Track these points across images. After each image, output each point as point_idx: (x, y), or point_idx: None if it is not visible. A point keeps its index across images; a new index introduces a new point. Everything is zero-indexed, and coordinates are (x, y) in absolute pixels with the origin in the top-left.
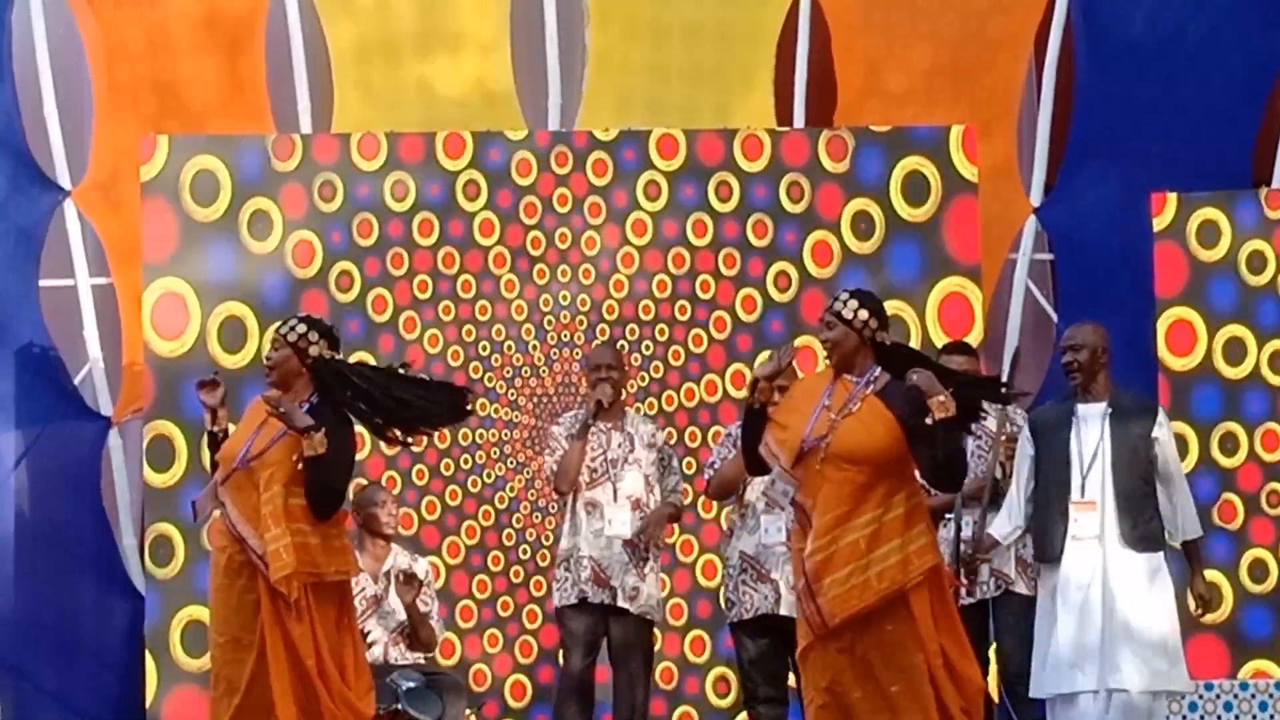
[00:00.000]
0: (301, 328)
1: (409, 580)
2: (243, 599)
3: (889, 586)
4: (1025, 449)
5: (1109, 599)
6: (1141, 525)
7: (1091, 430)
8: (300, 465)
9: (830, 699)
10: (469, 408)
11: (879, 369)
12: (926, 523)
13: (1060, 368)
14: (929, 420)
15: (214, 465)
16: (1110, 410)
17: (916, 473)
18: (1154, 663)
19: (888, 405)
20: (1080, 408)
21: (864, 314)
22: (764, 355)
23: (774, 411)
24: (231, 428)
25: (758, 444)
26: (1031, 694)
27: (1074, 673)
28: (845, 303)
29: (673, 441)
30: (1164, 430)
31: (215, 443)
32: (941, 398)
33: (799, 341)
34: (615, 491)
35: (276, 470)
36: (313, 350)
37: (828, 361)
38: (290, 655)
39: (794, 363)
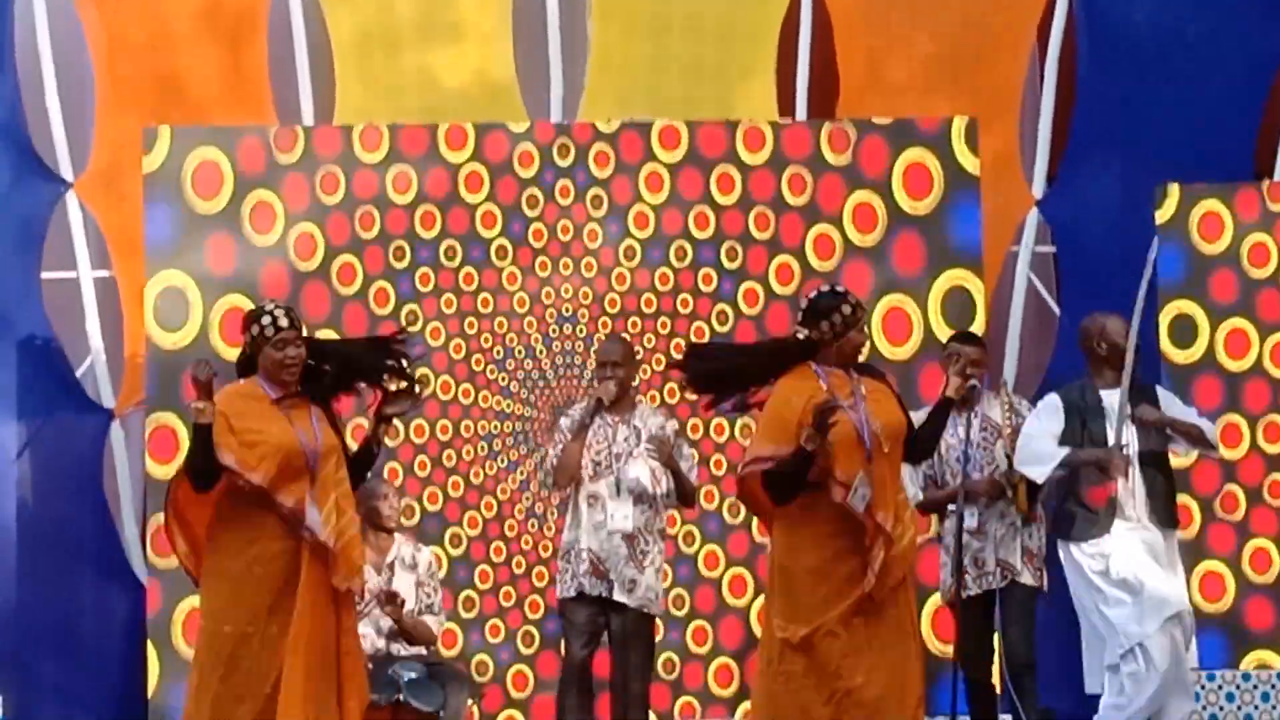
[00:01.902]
0: (294, 315)
1: (390, 599)
2: (280, 591)
3: (910, 565)
4: (1056, 415)
5: (1152, 570)
6: (1164, 503)
7: (1115, 415)
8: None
9: (838, 686)
10: (403, 349)
11: None
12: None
13: (1061, 360)
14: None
15: (209, 462)
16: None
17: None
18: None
19: (877, 380)
20: (1105, 394)
21: (820, 306)
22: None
23: (787, 421)
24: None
25: (803, 477)
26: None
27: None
28: (811, 298)
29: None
30: (1164, 399)
31: (209, 437)
32: (958, 380)
33: None
34: (618, 485)
35: (338, 456)
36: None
37: (849, 359)
38: (329, 643)
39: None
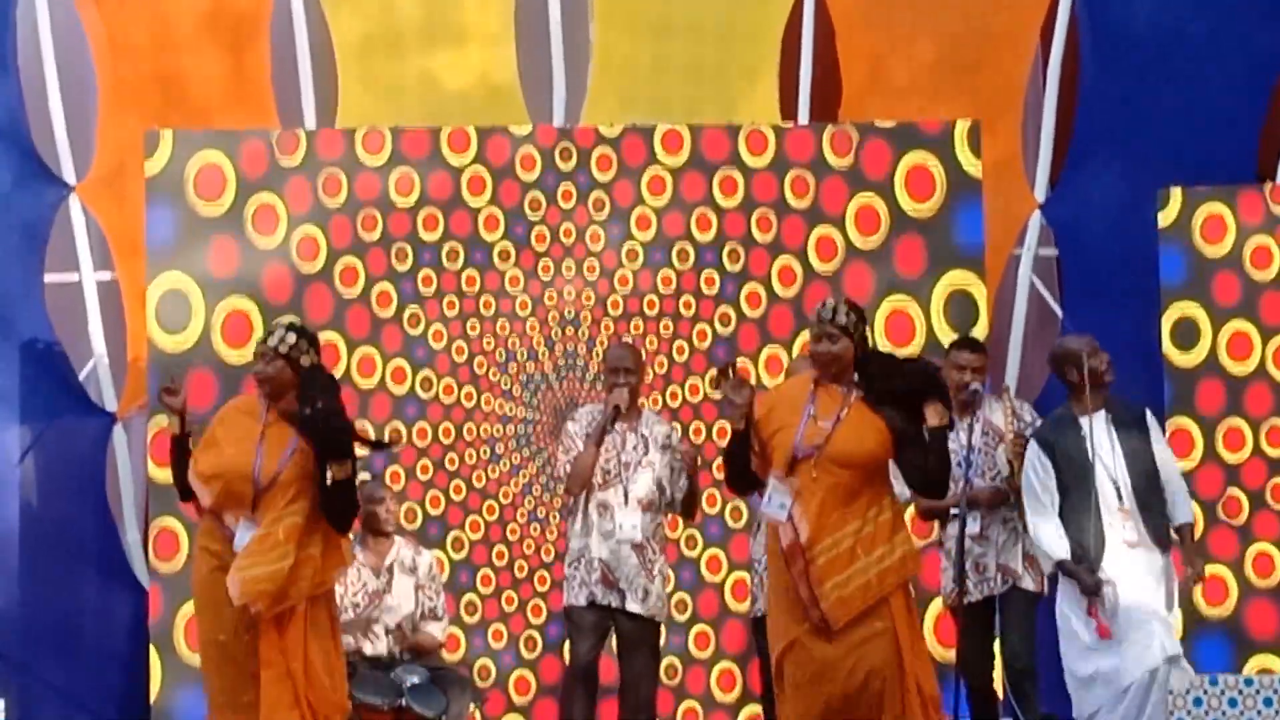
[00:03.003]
0: (291, 338)
1: (395, 632)
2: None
3: (892, 584)
4: (1045, 465)
5: (1140, 594)
6: (1159, 525)
7: (1102, 439)
8: (326, 484)
9: (814, 694)
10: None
11: (857, 374)
12: (906, 527)
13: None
14: (925, 426)
15: (184, 473)
16: (1111, 416)
17: (900, 479)
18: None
19: (877, 412)
20: (1082, 420)
21: (861, 324)
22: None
23: (760, 424)
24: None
25: (747, 464)
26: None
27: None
28: (846, 314)
29: (676, 438)
30: (1156, 430)
31: (183, 446)
32: (939, 406)
33: (769, 352)
34: (626, 495)
35: (297, 489)
36: (304, 360)
37: (819, 372)
38: (279, 663)
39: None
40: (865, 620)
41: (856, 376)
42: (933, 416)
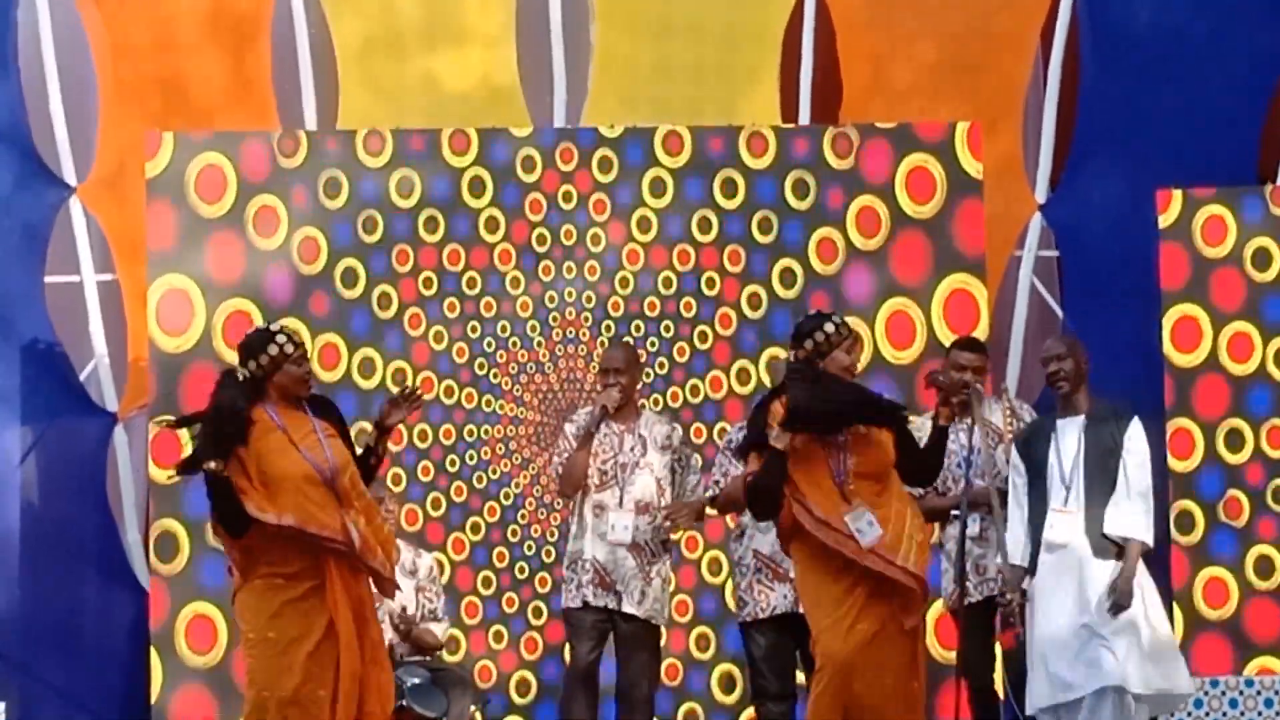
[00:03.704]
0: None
1: (397, 628)
2: (310, 611)
3: (920, 568)
4: (1018, 467)
5: (1084, 605)
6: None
7: (1069, 442)
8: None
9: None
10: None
11: None
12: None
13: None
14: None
15: (239, 511)
16: (1086, 422)
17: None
18: (1143, 664)
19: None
20: (1060, 422)
21: None
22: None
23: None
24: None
25: (781, 488)
26: (1027, 710)
27: (1057, 683)
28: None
29: (678, 438)
30: (1134, 440)
31: (227, 491)
32: (945, 408)
33: (770, 353)
34: (622, 497)
35: (352, 470)
36: None
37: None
38: (372, 647)
39: None
40: (897, 618)
41: None
42: (942, 417)
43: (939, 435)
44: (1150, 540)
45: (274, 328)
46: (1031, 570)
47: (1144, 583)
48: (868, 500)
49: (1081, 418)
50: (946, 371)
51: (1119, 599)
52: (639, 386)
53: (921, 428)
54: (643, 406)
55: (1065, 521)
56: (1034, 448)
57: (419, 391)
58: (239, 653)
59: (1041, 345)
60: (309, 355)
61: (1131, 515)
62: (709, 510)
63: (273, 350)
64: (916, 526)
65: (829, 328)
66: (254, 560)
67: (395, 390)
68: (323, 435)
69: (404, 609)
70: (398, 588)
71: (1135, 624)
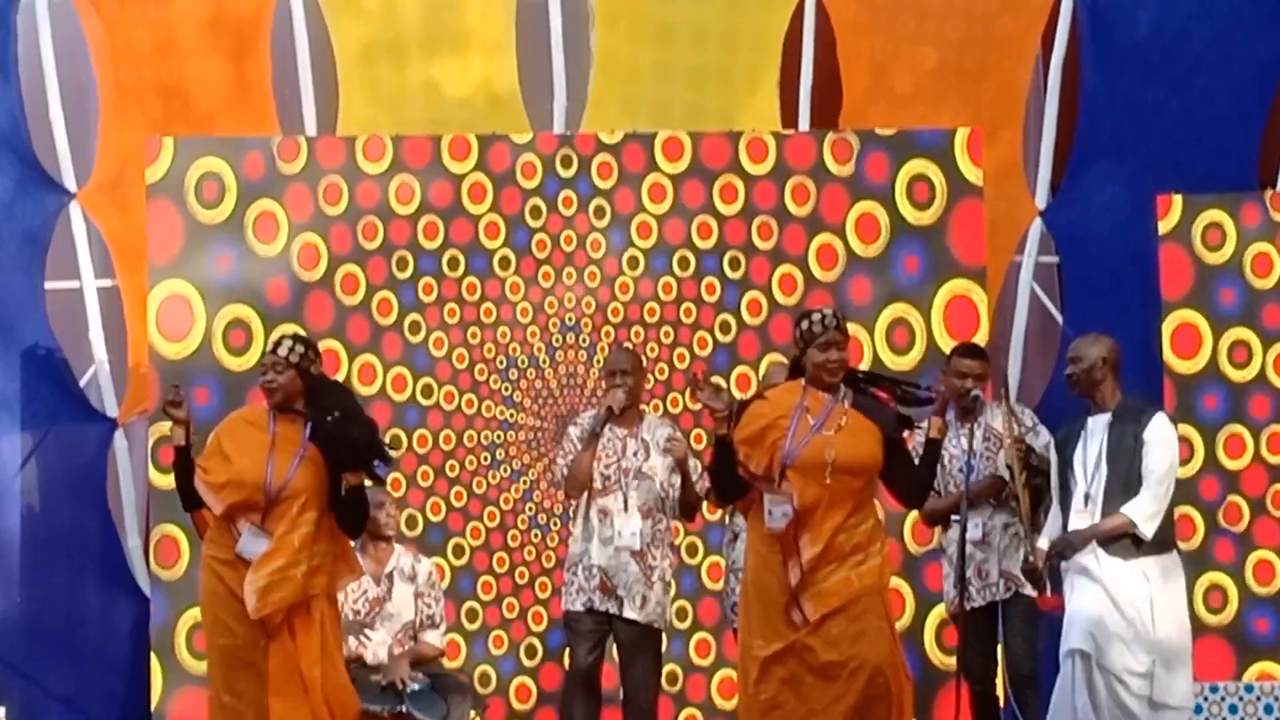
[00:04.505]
0: (300, 348)
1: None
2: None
3: (871, 585)
4: (1054, 461)
5: (1106, 604)
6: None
7: (1095, 441)
8: (341, 490)
9: (787, 694)
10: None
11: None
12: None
13: (1064, 371)
14: (916, 435)
15: (188, 483)
16: (1111, 419)
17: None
18: (1152, 669)
19: (868, 418)
20: (1090, 420)
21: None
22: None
23: (750, 434)
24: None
25: (733, 472)
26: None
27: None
28: (845, 321)
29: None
30: (1154, 431)
31: (187, 456)
32: (940, 420)
33: (770, 358)
34: (626, 501)
35: (309, 499)
36: (312, 369)
37: (825, 380)
38: (292, 666)
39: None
40: (855, 613)
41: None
42: (934, 429)
43: (932, 449)
44: (1141, 525)
45: (278, 335)
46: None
47: (1155, 587)
48: (839, 497)
49: (1108, 415)
50: (948, 379)
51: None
52: (641, 391)
53: (917, 445)
54: (644, 411)
55: (1084, 522)
56: (1064, 447)
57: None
58: None
59: (1041, 351)
60: (275, 365)
61: (1136, 500)
62: (707, 516)
63: (264, 356)
64: (874, 553)
65: (804, 323)
66: (207, 540)
67: (398, 400)
68: (299, 457)
69: (399, 632)
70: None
71: (1138, 630)
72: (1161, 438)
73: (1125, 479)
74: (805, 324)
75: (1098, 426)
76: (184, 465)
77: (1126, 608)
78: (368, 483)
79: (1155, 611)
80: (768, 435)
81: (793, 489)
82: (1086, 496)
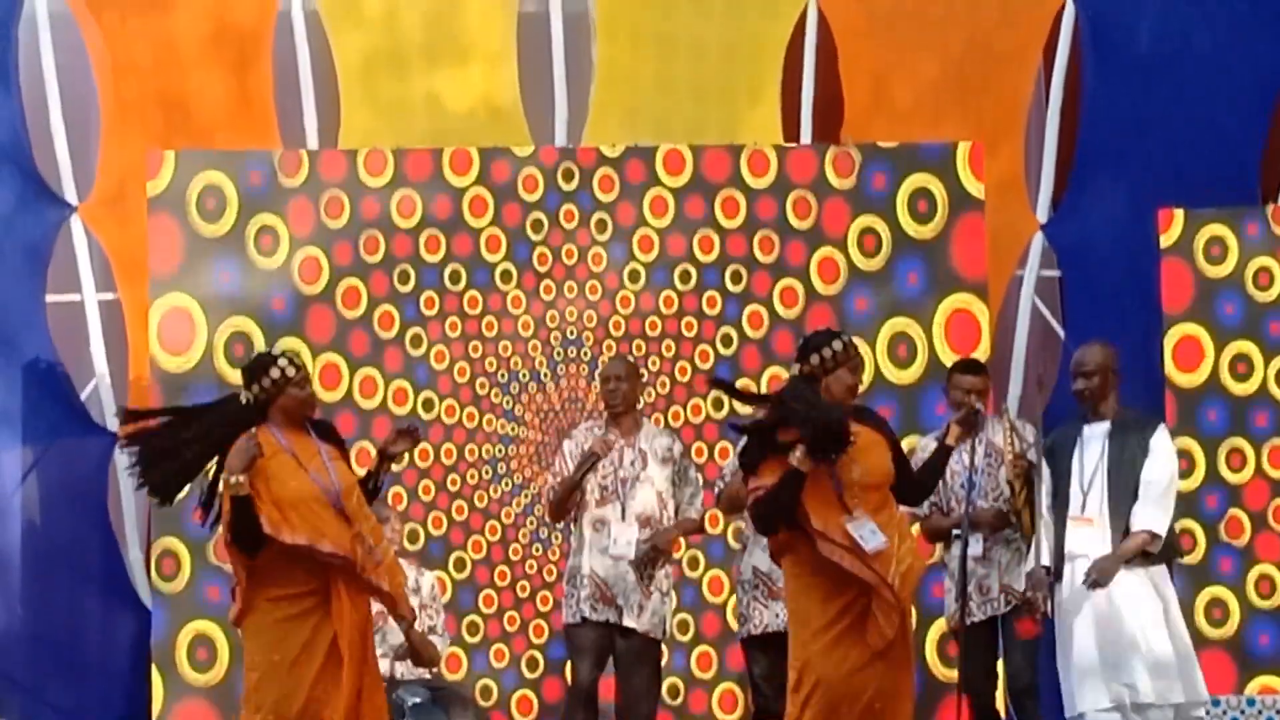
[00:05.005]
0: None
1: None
2: (315, 631)
3: (910, 589)
4: (1045, 470)
5: (1112, 614)
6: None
7: (1093, 449)
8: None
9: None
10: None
11: None
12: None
13: (1068, 385)
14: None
15: (257, 529)
16: (1111, 429)
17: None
18: (1162, 675)
19: (873, 429)
20: (1086, 428)
21: None
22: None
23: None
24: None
25: (795, 503)
26: (1066, 714)
27: (1087, 690)
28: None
29: (679, 450)
30: (1159, 441)
31: (248, 508)
32: (957, 427)
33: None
34: (624, 510)
35: (358, 492)
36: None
37: (838, 398)
38: (370, 670)
39: None
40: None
41: None
42: (951, 436)
43: (942, 454)
44: (1160, 531)
45: (275, 351)
46: (1056, 575)
47: (1166, 594)
48: (868, 511)
49: (1107, 424)
50: (949, 394)
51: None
52: (639, 403)
53: (925, 448)
54: (645, 421)
55: (1083, 531)
56: (1058, 454)
57: (419, 434)
58: (240, 671)
59: (1042, 364)
60: (310, 378)
61: (1144, 510)
62: (708, 529)
63: (275, 374)
64: (907, 550)
65: (836, 345)
66: (259, 582)
67: (399, 414)
68: (327, 458)
69: (400, 646)
70: (413, 611)
71: (1148, 634)
72: (1166, 449)
73: (1128, 489)
74: (831, 349)
75: (1094, 435)
76: (248, 514)
77: (1130, 620)
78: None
79: (1169, 617)
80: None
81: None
82: (1083, 505)
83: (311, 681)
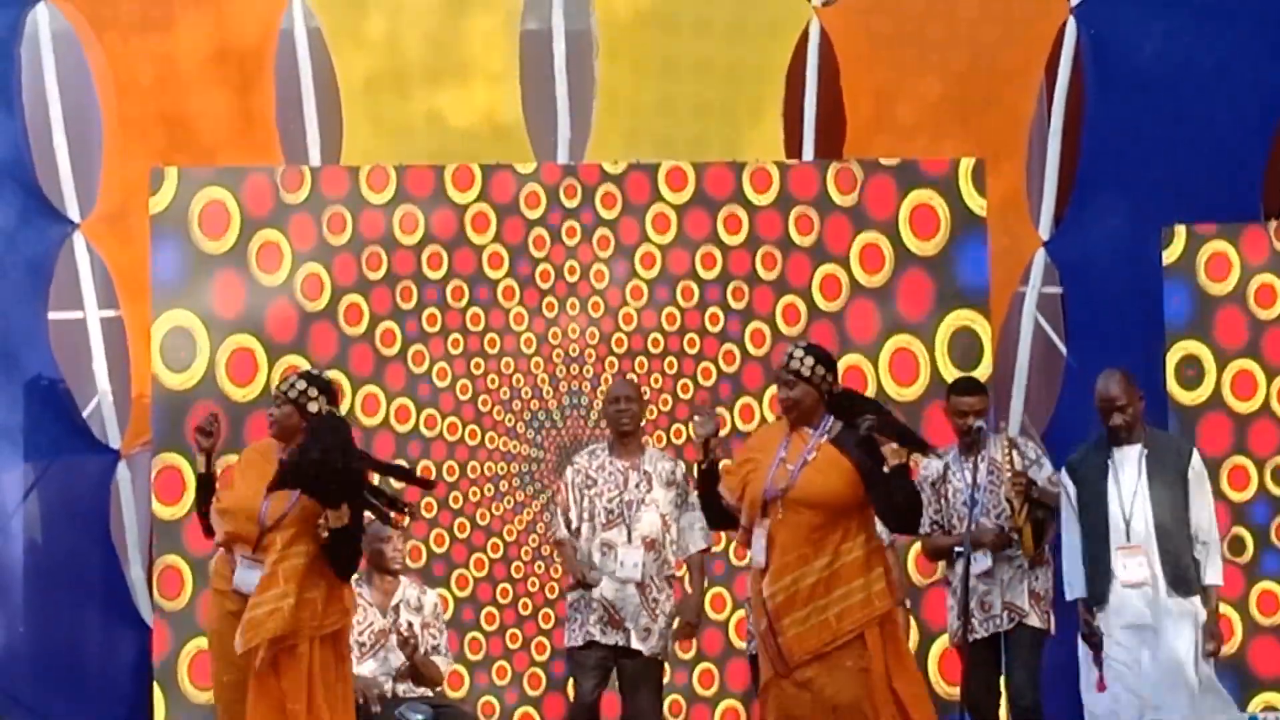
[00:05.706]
0: (301, 384)
1: (405, 642)
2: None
3: (850, 626)
4: (1068, 491)
5: (1162, 642)
6: (1182, 568)
7: (1128, 474)
8: (324, 533)
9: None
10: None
11: (831, 418)
12: (885, 565)
13: (1068, 402)
14: (885, 467)
15: (205, 508)
16: (1146, 452)
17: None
18: (1204, 700)
19: (843, 452)
20: (1116, 452)
21: (820, 369)
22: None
23: (733, 467)
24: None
25: (717, 500)
26: None
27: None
28: (802, 360)
29: (681, 474)
30: (1196, 473)
31: (208, 484)
32: (895, 445)
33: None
34: (630, 533)
35: (298, 531)
36: (311, 406)
37: (785, 418)
38: (275, 703)
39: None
40: (833, 657)
41: (832, 419)
42: (891, 456)
43: (897, 473)
44: (1221, 581)
45: (298, 370)
46: (1095, 600)
47: (1199, 620)
48: (799, 533)
49: (1139, 448)
50: (948, 415)
51: (1217, 641)
52: (642, 422)
53: (928, 466)
54: (648, 443)
55: (1135, 560)
56: (1088, 480)
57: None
58: None
59: (1043, 382)
60: (276, 399)
61: (1212, 567)
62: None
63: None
64: (847, 607)
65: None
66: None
67: (401, 431)
68: (298, 493)
69: (409, 624)
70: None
71: (1183, 662)
72: (1205, 486)
73: (1177, 519)
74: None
75: (1128, 459)
76: (206, 492)
77: (1166, 657)
78: (370, 517)
79: (1199, 652)
80: (752, 470)
81: (768, 523)
82: (1128, 533)
83: None
